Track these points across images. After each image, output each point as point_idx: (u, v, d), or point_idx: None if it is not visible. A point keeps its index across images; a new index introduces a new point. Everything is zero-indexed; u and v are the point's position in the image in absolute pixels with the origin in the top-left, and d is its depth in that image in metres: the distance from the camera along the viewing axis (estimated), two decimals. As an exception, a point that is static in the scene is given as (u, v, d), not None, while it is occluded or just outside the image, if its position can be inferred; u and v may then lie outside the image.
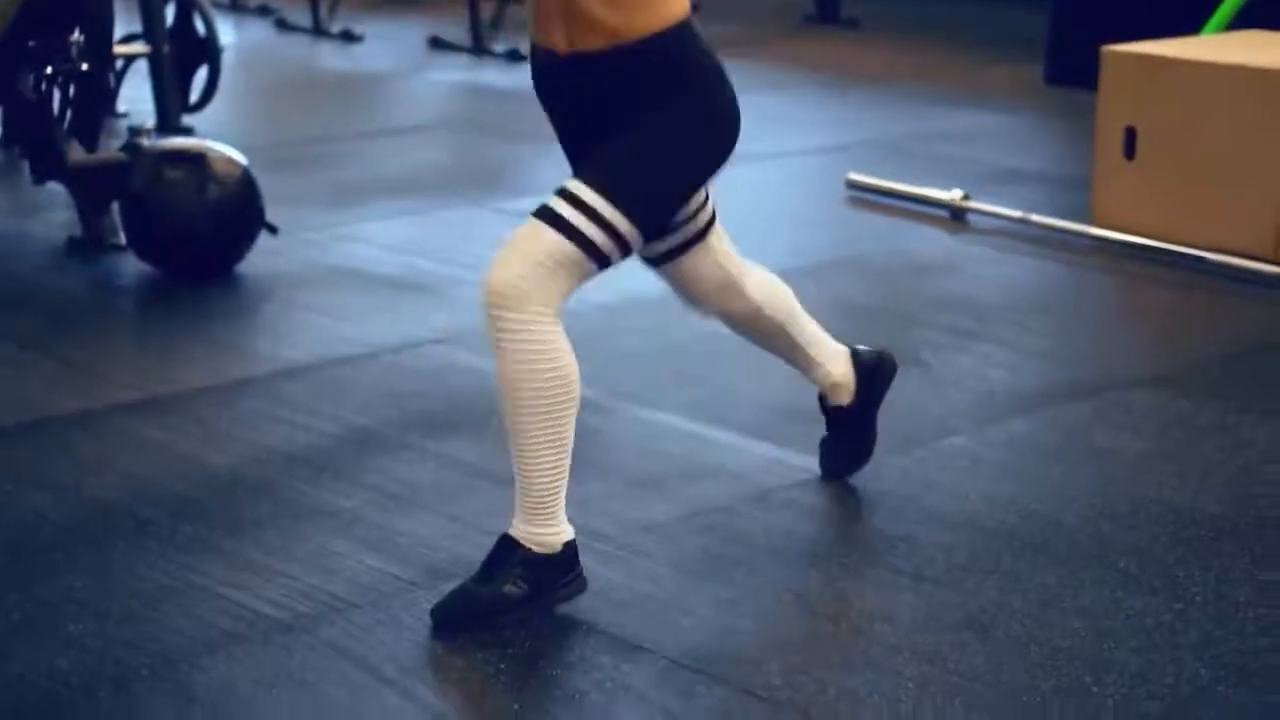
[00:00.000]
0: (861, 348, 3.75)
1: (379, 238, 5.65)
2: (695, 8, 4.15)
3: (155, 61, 6.86)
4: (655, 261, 3.43)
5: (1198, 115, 5.57)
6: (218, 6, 9.43)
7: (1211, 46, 5.87)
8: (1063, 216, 5.83)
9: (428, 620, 3.13)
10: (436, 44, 9.39)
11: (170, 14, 6.95)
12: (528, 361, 3.04)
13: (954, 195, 6.00)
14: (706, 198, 3.41)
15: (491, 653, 3.04)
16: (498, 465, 3.78)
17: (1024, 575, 3.36)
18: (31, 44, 5.26)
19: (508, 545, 3.14)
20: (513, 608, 3.12)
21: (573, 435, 3.13)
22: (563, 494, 3.15)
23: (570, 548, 3.16)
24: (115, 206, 5.39)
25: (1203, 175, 5.56)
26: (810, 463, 3.80)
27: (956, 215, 5.97)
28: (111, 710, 2.87)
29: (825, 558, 3.48)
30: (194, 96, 7.02)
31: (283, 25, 10.00)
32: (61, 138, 5.34)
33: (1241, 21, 6.39)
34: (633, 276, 4.02)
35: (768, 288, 3.54)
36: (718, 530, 3.54)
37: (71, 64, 5.31)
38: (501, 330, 3.04)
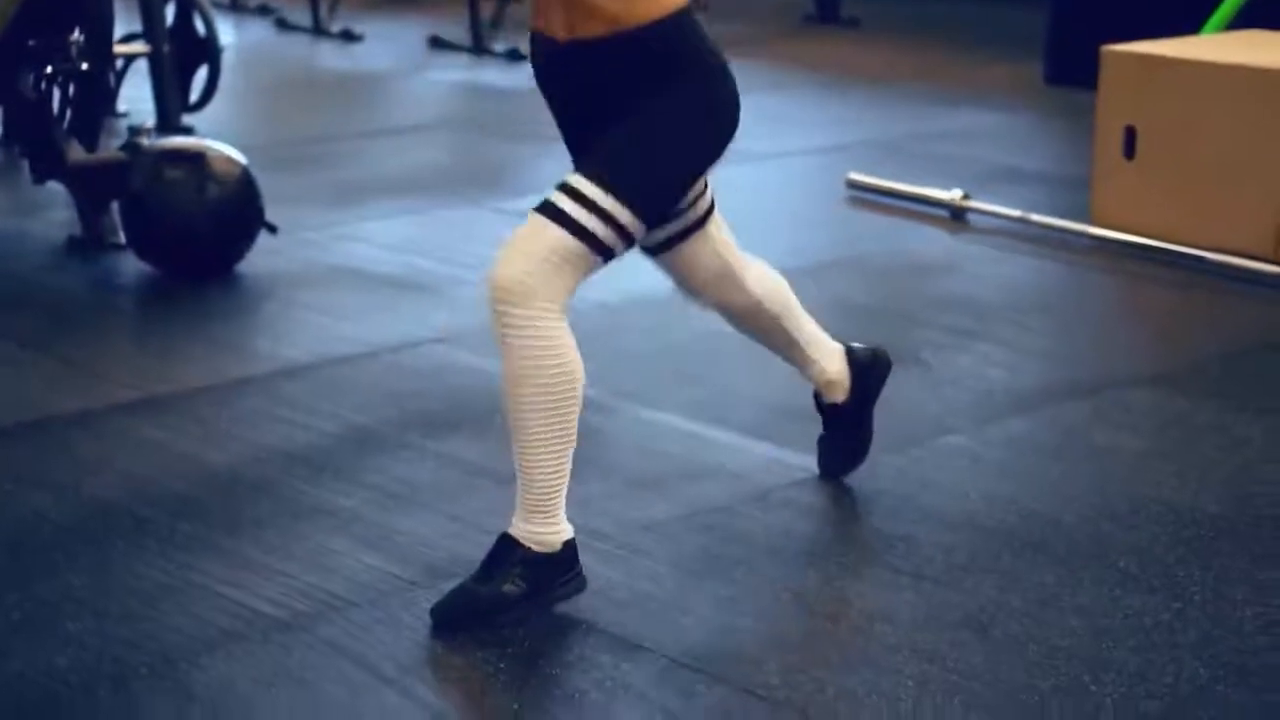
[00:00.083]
0: (856, 345, 3.75)
1: (379, 237, 5.65)
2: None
3: (155, 61, 6.86)
4: (653, 250, 3.42)
5: (1197, 115, 5.57)
6: (218, 6, 9.43)
7: (1211, 46, 5.88)
8: (1062, 216, 5.83)
9: (427, 619, 3.13)
10: (436, 43, 9.39)
11: (170, 13, 6.95)
12: (533, 358, 3.04)
13: (954, 195, 6.00)
14: (705, 186, 3.40)
15: (491, 651, 3.04)
16: (497, 464, 3.78)
17: (1023, 574, 3.36)
18: (31, 43, 5.26)
19: (507, 544, 3.14)
20: (512, 607, 3.12)
21: (576, 433, 3.13)
22: (564, 493, 3.15)
23: (570, 547, 3.16)
24: (115, 206, 5.39)
25: (1202, 175, 5.56)
26: (810, 462, 3.80)
27: (956, 215, 5.97)
28: (111, 708, 2.88)
29: (824, 557, 3.48)
30: (194, 96, 7.03)
31: (283, 25, 10.01)
32: (61, 137, 5.34)
33: (1241, 21, 6.39)
34: (633, 276, 4.03)
35: (767, 282, 3.54)
36: (717, 529, 3.54)
37: (71, 63, 5.31)
38: (507, 326, 3.04)
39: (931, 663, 3.02)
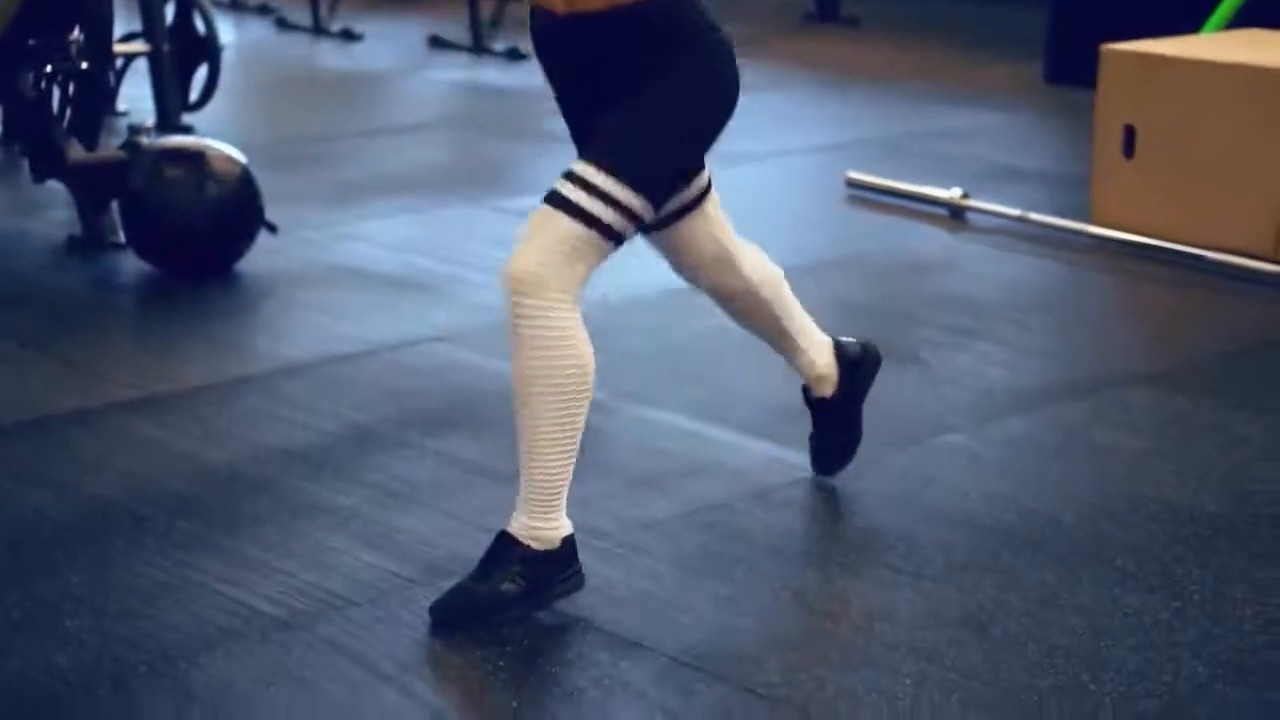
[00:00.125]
0: (845, 339, 3.74)
1: (378, 236, 5.66)
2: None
3: (155, 60, 6.86)
4: (649, 228, 3.39)
5: (1197, 114, 5.57)
6: (217, 5, 9.43)
7: (1211, 45, 5.88)
8: (1062, 215, 5.83)
9: (426, 617, 3.13)
10: (436, 43, 9.39)
11: (170, 12, 6.95)
12: (544, 347, 3.04)
13: (953, 194, 6.00)
14: (702, 165, 3.40)
15: (490, 650, 3.04)
16: (497, 463, 3.79)
17: (1022, 573, 3.36)
18: (31, 42, 5.26)
19: (505, 542, 3.14)
20: (511, 605, 3.12)
21: (582, 429, 3.12)
22: (566, 488, 3.15)
23: (569, 543, 3.16)
24: (115, 205, 5.39)
25: (1202, 174, 5.56)
26: (806, 459, 3.80)
27: (956, 214, 5.98)
28: (110, 707, 2.88)
29: (824, 555, 3.48)
30: (194, 95, 7.02)
31: (283, 24, 10.00)
32: (61, 136, 5.34)
33: (1241, 20, 6.39)
34: (634, 275, 4.03)
35: (762, 269, 3.53)
36: (717, 528, 3.54)
37: (71, 62, 5.30)
38: (520, 317, 3.04)
39: (931, 661, 3.02)
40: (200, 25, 6.94)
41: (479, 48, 9.18)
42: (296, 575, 3.31)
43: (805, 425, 3.84)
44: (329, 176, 6.46)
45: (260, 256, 5.29)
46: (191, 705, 2.88)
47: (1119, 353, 4.74)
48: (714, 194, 3.45)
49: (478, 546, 3.21)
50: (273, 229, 5.32)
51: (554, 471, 3.11)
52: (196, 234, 5.18)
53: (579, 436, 3.12)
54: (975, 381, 4.42)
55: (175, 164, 5.24)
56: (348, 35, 9.62)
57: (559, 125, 3.39)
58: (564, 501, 3.15)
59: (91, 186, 5.39)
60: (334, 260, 5.39)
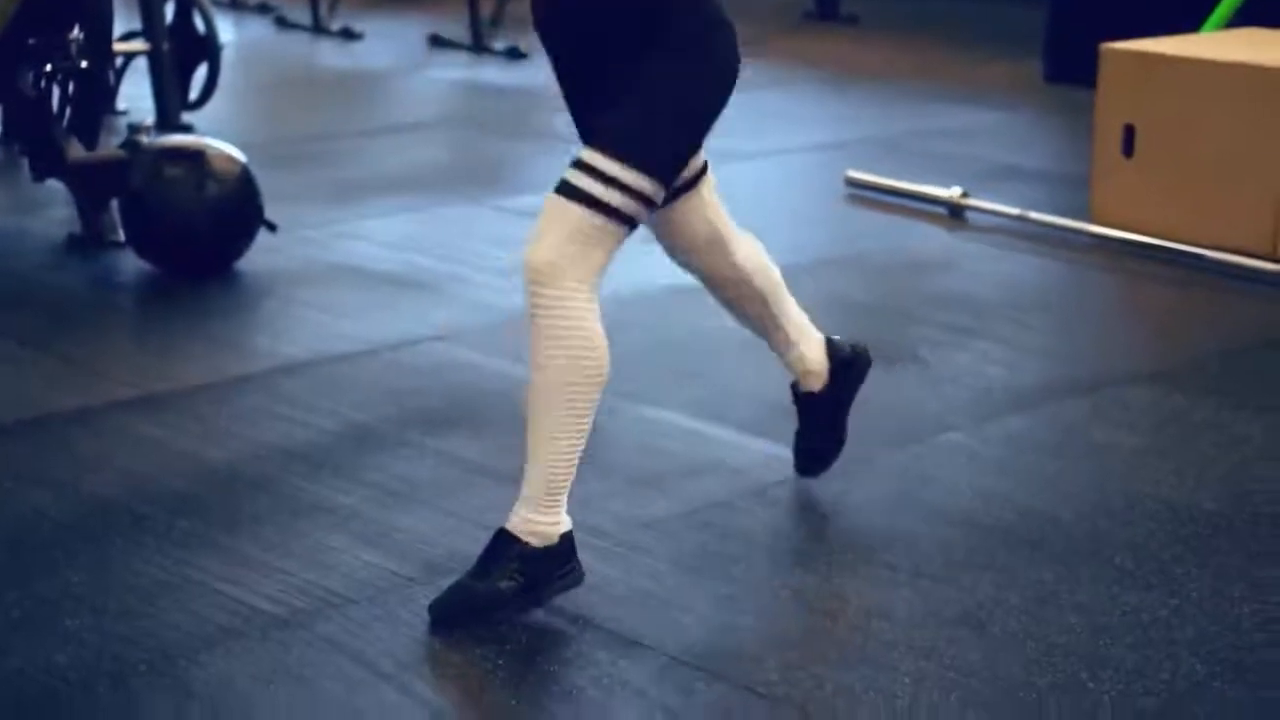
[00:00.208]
0: (838, 338, 3.74)
1: (378, 235, 5.66)
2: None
3: (155, 59, 6.86)
4: None
5: (1196, 113, 5.58)
6: (217, 4, 9.43)
7: (1210, 44, 5.88)
8: (1061, 214, 5.83)
9: (425, 616, 3.13)
10: (436, 42, 9.39)
11: (170, 11, 6.95)
12: (557, 337, 3.04)
13: (953, 193, 6.00)
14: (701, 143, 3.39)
15: (489, 648, 3.05)
16: (496, 462, 3.79)
17: (1020, 571, 3.36)
18: (31, 41, 5.26)
19: (504, 540, 3.14)
20: (509, 602, 3.12)
21: (591, 421, 3.12)
22: (569, 484, 3.15)
23: (567, 539, 3.16)
24: (115, 204, 5.39)
25: (1201, 173, 5.56)
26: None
27: (955, 213, 5.98)
28: (109, 705, 2.88)
29: (822, 554, 3.48)
30: (194, 94, 7.02)
31: (282, 23, 10.00)
32: (61, 135, 5.34)
33: (1240, 19, 6.39)
34: (633, 274, 4.03)
35: (757, 259, 3.53)
36: (717, 527, 3.54)
37: (71, 61, 5.30)
38: (537, 307, 3.06)
39: (929, 659, 3.02)
40: (200, 24, 6.94)
41: (479, 47, 9.18)
42: (296, 574, 3.31)
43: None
44: (329, 175, 6.46)
45: (260, 255, 5.29)
46: (191, 703, 2.88)
47: (1118, 351, 4.75)
48: (709, 176, 3.44)
49: (477, 545, 3.21)
50: (272, 228, 5.32)
51: (560, 463, 3.11)
52: (196, 233, 5.19)
53: (588, 428, 3.12)
54: (974, 380, 4.42)
55: (175, 163, 5.24)
56: (347, 34, 9.62)
57: (559, 124, 3.40)
58: (566, 497, 3.15)
59: (91, 185, 5.39)
60: (334, 259, 5.40)
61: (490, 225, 5.78)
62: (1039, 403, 4.26)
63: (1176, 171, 5.61)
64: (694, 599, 3.24)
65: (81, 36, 5.33)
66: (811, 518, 3.66)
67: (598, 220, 3.04)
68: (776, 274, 3.56)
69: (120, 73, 7.04)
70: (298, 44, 9.58)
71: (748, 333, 3.70)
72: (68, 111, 5.39)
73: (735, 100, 3.24)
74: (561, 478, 3.13)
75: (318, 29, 9.77)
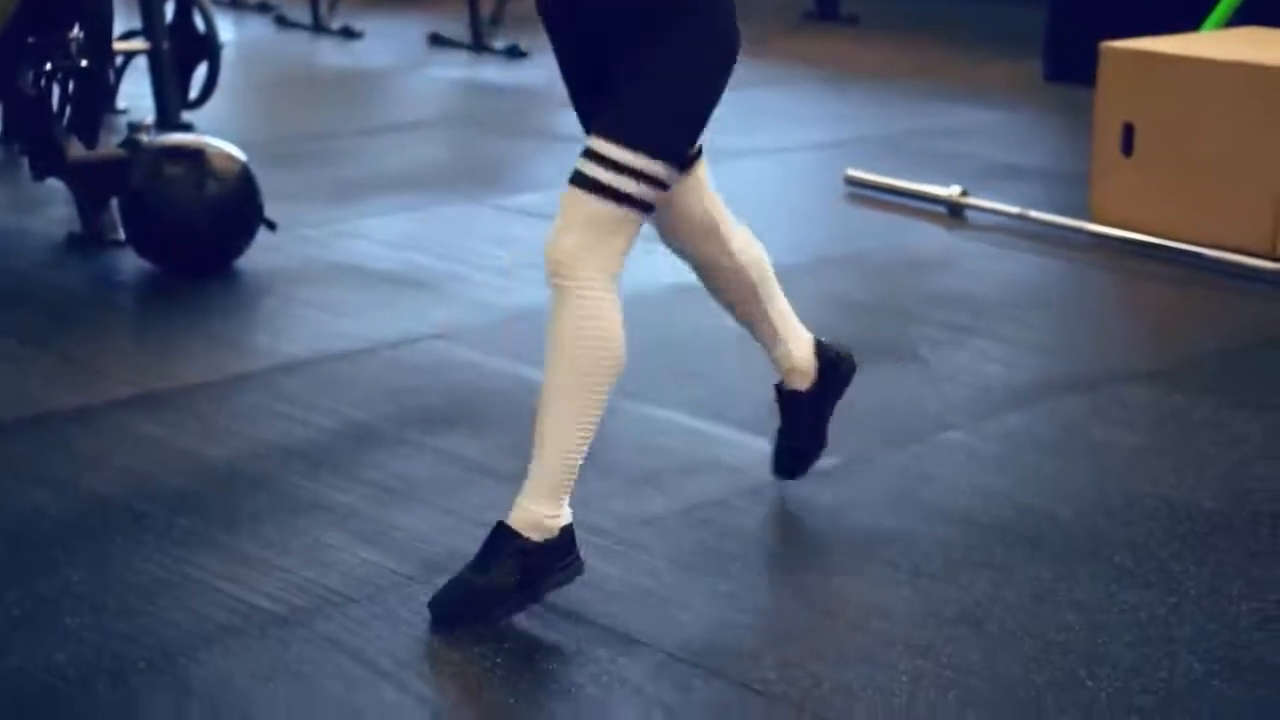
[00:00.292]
0: (826, 340, 3.72)
1: (378, 234, 5.66)
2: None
3: (155, 58, 6.86)
4: None
5: (1196, 112, 5.58)
6: (217, 3, 9.44)
7: (1210, 43, 5.88)
8: (1061, 212, 5.84)
9: (424, 614, 3.14)
10: (436, 41, 9.39)
11: (170, 10, 6.95)
12: (573, 327, 3.05)
13: (952, 191, 6.00)
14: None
15: (488, 646, 3.05)
16: (495, 460, 3.80)
17: (1019, 569, 3.37)
18: (31, 40, 5.27)
19: (503, 534, 3.13)
20: (508, 597, 3.11)
21: (601, 414, 3.12)
22: (573, 478, 3.14)
23: (567, 533, 3.15)
24: (115, 203, 5.39)
25: (1200, 171, 5.56)
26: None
27: (955, 211, 5.98)
28: (109, 703, 2.88)
29: (821, 552, 3.49)
30: (194, 93, 7.03)
31: (282, 22, 10.01)
32: (61, 134, 5.35)
33: (1240, 18, 6.40)
34: (634, 274, 4.02)
35: (751, 251, 3.52)
36: (715, 525, 3.55)
37: (71, 60, 5.31)
38: (558, 298, 3.07)
39: (927, 657, 3.03)
40: (200, 23, 6.95)
41: (479, 46, 9.18)
42: (295, 572, 3.32)
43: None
44: (328, 174, 6.46)
45: (260, 254, 5.30)
46: (190, 701, 2.89)
47: (1117, 350, 4.75)
48: (703, 159, 3.44)
49: (475, 543, 3.21)
50: (272, 226, 5.32)
51: (568, 455, 3.11)
52: (196, 232, 5.19)
53: (598, 420, 3.12)
54: (974, 378, 4.42)
55: (175, 162, 5.24)
56: (347, 33, 9.63)
57: (559, 123, 3.40)
58: (569, 491, 3.15)
59: (91, 184, 5.40)
60: (333, 258, 5.40)
61: (490, 224, 5.79)
62: (1038, 401, 4.27)
63: (1176, 170, 5.62)
64: (692, 596, 3.24)
65: (81, 35, 5.33)
66: (810, 516, 3.66)
67: (613, 209, 3.05)
68: (770, 269, 3.56)
69: (120, 71, 7.04)
70: (298, 43, 9.58)
71: (747, 333, 3.70)
72: (68, 110, 5.40)
73: (735, 99, 3.24)
74: (568, 468, 3.12)
75: (318, 28, 9.77)
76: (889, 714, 2.86)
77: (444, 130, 7.40)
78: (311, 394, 4.25)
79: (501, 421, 4.06)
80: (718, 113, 3.18)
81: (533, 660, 3.03)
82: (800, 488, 3.72)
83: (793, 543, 3.54)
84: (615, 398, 4.16)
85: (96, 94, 5.41)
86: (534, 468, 3.13)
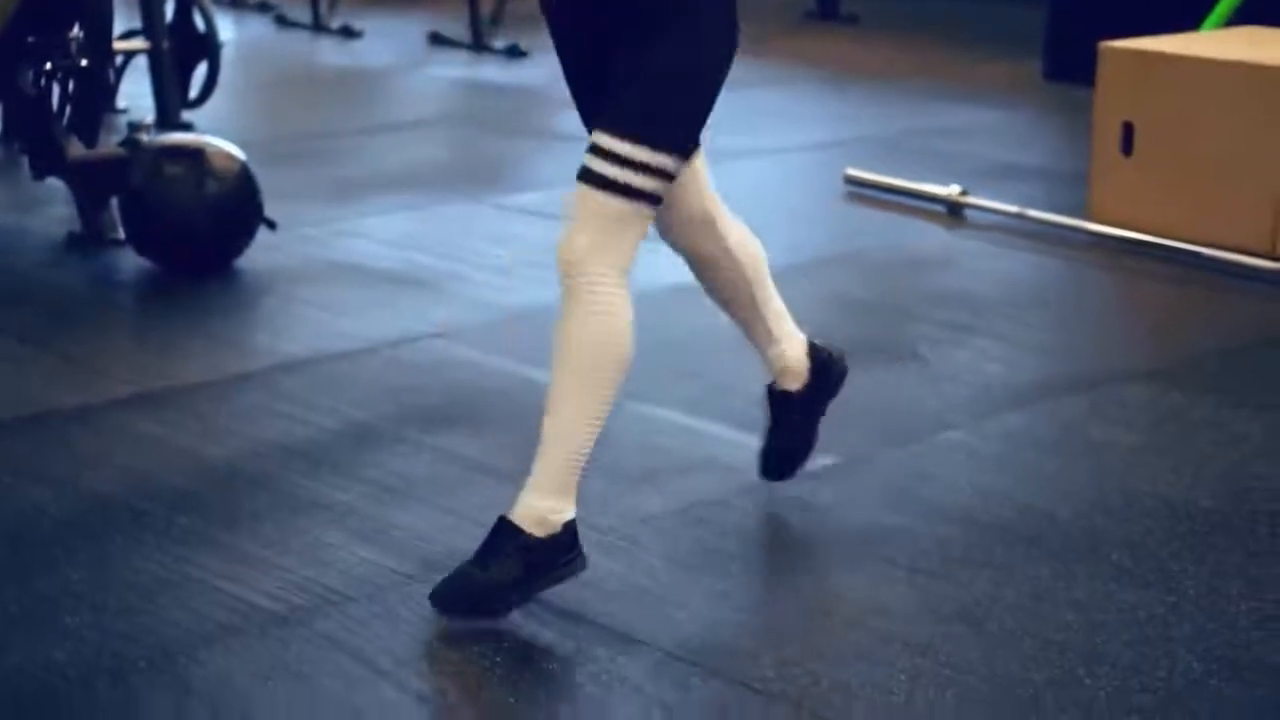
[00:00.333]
0: (819, 341, 3.72)
1: (378, 233, 5.66)
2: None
3: (155, 57, 6.87)
4: None
5: (1195, 111, 5.58)
6: (217, 3, 9.44)
7: (1209, 43, 5.88)
8: (1060, 212, 5.84)
9: (424, 613, 3.14)
10: (436, 40, 9.39)
11: (170, 10, 6.96)
12: (583, 321, 3.07)
13: (952, 191, 6.01)
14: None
15: (487, 645, 3.05)
16: (495, 460, 3.80)
17: (1018, 568, 3.37)
18: (31, 40, 5.27)
19: (506, 529, 3.13)
20: (509, 591, 3.11)
21: (609, 410, 3.12)
22: (578, 472, 3.14)
23: (570, 528, 3.15)
24: (114, 202, 5.39)
25: (1200, 171, 5.57)
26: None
27: (954, 211, 5.98)
28: (109, 702, 2.89)
29: (819, 550, 3.49)
30: (193, 92, 7.03)
31: (282, 21, 10.01)
32: (61, 133, 5.35)
33: (1239, 18, 6.40)
34: (634, 273, 4.02)
35: (749, 247, 3.51)
36: (713, 523, 3.55)
37: (71, 60, 5.31)
38: (568, 294, 3.08)
39: (925, 656, 3.03)
40: (200, 22, 6.95)
41: (479, 45, 9.18)
42: (295, 571, 3.32)
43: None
44: (328, 173, 6.47)
45: (259, 253, 5.30)
46: (190, 700, 2.89)
47: (1116, 349, 4.75)
48: (700, 152, 3.43)
49: (474, 542, 3.21)
50: (272, 226, 5.33)
51: (574, 450, 3.11)
52: (196, 231, 5.19)
53: (605, 416, 3.12)
54: (973, 377, 4.43)
55: (175, 161, 5.25)
56: (347, 32, 9.63)
57: (559, 122, 3.41)
58: (574, 486, 3.14)
59: (91, 183, 5.40)
60: (333, 257, 5.40)
61: (490, 223, 5.79)
62: (1037, 400, 4.27)
63: (1175, 170, 5.62)
64: (690, 595, 3.24)
65: (81, 35, 5.34)
66: (808, 515, 3.66)
67: (622, 204, 3.06)
68: (765, 267, 3.55)
69: (120, 71, 7.04)
70: (297, 42, 9.59)
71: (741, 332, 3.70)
72: (68, 110, 5.40)
73: (735, 99, 3.25)
74: (573, 465, 3.13)
75: (317, 27, 9.78)
76: (887, 712, 2.87)
77: (444, 129, 7.40)
78: (311, 393, 4.25)
79: (501, 420, 4.07)
80: (717, 113, 3.19)
81: (531, 659, 3.03)
82: (799, 487, 3.73)
83: (791, 541, 3.54)
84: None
85: (96, 93, 5.41)
86: (539, 463, 3.13)
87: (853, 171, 6.35)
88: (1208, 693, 2.94)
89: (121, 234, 5.36)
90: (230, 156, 5.29)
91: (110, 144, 5.50)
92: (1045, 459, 3.92)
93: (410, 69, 8.81)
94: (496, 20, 9.30)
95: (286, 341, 4.64)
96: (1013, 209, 5.88)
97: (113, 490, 3.68)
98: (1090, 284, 5.39)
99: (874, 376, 4.34)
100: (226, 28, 8.70)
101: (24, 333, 4.71)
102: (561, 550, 3.14)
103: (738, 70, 3.25)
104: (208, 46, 6.97)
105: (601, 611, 3.17)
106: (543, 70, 8.29)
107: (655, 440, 3.98)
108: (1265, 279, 5.26)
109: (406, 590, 3.23)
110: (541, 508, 3.12)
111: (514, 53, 8.93)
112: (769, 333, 3.60)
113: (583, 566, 3.19)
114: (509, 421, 4.03)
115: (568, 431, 3.10)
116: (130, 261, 5.29)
